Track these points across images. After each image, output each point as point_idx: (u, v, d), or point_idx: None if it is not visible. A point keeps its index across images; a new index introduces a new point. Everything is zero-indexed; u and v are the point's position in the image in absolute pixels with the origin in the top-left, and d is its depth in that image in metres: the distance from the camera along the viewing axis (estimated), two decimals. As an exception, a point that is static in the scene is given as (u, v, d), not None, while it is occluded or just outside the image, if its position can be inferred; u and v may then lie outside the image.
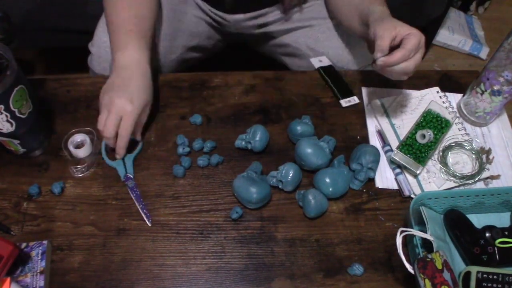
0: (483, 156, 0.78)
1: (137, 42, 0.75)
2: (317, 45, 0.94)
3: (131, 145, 0.76)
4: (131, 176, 0.74)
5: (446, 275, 0.58)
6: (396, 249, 0.60)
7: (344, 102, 0.85)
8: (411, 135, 0.78)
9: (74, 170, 0.74)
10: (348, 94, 0.86)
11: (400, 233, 0.61)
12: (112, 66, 0.75)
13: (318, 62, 0.91)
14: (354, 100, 0.85)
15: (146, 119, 0.77)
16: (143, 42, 0.76)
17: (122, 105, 0.70)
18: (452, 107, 0.84)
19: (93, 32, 0.91)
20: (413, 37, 0.66)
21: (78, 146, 0.76)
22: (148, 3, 0.80)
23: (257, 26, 0.98)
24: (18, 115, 0.68)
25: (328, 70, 0.89)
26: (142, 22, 0.77)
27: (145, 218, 0.71)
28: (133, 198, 0.72)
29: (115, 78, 0.73)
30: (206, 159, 0.76)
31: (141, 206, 0.72)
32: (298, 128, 0.78)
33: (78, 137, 0.76)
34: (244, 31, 0.99)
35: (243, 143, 0.78)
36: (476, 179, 0.75)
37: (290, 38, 0.98)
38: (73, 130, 0.77)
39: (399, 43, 0.67)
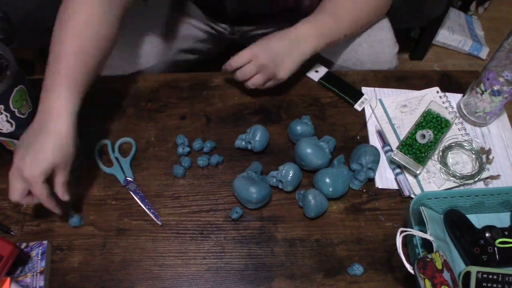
0: (483, 156, 0.78)
1: (67, 88, 0.63)
2: None
3: (126, 149, 0.77)
4: (131, 179, 0.74)
5: (446, 275, 0.58)
6: (396, 249, 0.60)
7: (358, 106, 0.84)
8: (411, 135, 0.78)
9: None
10: (358, 95, 0.85)
11: (400, 233, 0.61)
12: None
13: (315, 73, 0.89)
14: (365, 99, 0.85)
15: (64, 178, 0.63)
16: (75, 88, 0.64)
17: (22, 169, 0.59)
18: (452, 107, 0.84)
19: None
20: (247, 66, 0.77)
21: None
22: (96, 40, 0.66)
23: (261, 35, 0.98)
24: (18, 115, 0.68)
25: (329, 78, 0.88)
26: (83, 61, 0.65)
27: (154, 218, 0.71)
28: (137, 200, 0.72)
29: (32, 125, 0.63)
30: (206, 159, 0.76)
31: (147, 207, 0.72)
32: (298, 128, 0.78)
33: None
34: (248, 40, 0.99)
35: (243, 143, 0.78)
36: (476, 179, 0.75)
37: None
38: None
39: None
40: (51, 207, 0.64)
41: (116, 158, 0.76)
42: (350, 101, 0.85)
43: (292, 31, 0.77)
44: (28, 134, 0.62)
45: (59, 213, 0.66)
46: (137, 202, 0.72)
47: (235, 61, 0.78)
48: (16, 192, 0.61)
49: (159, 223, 0.71)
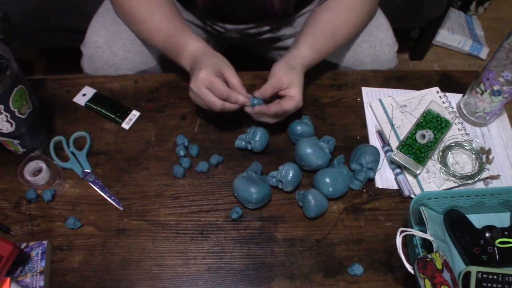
0: (483, 156, 0.78)
1: (190, 36, 0.76)
2: None
3: (81, 142, 0.78)
4: (89, 171, 0.75)
5: (446, 275, 0.58)
6: (396, 249, 0.60)
7: (126, 124, 0.80)
8: (411, 135, 0.78)
9: (58, 186, 0.74)
10: (126, 113, 0.81)
11: (400, 233, 0.61)
12: (187, 67, 0.76)
13: (82, 97, 0.83)
14: (134, 115, 0.81)
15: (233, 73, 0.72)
16: (192, 34, 0.77)
17: (197, 80, 0.69)
18: (452, 107, 0.84)
19: None
20: (292, 102, 0.72)
21: (35, 173, 0.73)
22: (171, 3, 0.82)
23: (257, 34, 0.97)
24: (18, 115, 0.68)
25: (97, 100, 0.82)
26: (180, 18, 0.80)
27: (115, 205, 0.72)
28: (98, 190, 0.73)
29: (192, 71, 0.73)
30: (205, 164, 0.76)
31: (107, 195, 0.73)
32: (298, 128, 0.78)
33: (32, 165, 0.73)
34: (245, 38, 0.99)
35: (243, 143, 0.78)
36: (476, 179, 0.75)
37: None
38: (24, 161, 0.73)
39: (277, 93, 0.73)
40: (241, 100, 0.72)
41: (72, 153, 0.77)
42: (118, 120, 0.80)
43: (303, 64, 0.76)
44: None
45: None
46: (97, 191, 0.73)
47: (289, 107, 0.72)
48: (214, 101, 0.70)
49: (121, 208, 0.72)
